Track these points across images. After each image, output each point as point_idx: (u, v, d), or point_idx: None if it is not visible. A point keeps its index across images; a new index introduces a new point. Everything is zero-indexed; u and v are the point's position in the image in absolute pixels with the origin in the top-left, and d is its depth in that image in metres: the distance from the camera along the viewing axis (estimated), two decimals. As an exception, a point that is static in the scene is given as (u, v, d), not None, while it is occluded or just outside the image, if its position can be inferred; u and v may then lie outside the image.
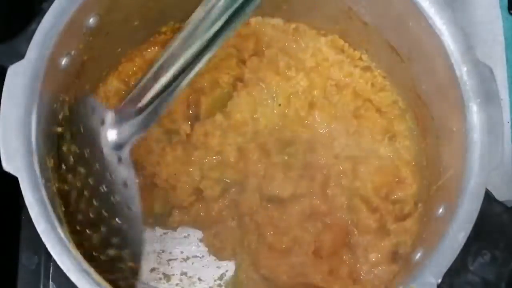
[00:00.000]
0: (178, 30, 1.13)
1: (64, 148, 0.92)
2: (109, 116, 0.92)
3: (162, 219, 1.06)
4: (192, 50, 0.86)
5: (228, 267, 1.05)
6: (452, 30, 0.89)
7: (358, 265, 1.02)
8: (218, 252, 1.05)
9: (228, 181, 1.06)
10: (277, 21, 1.14)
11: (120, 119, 0.91)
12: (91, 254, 0.87)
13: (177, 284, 1.04)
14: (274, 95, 1.08)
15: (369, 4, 1.00)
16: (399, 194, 1.05)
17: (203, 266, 1.06)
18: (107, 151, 0.90)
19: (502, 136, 0.86)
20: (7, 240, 1.05)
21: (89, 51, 0.98)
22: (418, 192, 1.05)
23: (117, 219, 0.90)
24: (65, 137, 0.93)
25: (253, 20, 1.15)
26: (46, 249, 0.81)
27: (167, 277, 1.04)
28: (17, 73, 0.85)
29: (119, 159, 0.90)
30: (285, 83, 1.08)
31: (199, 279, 1.05)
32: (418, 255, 0.90)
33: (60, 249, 0.81)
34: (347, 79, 1.09)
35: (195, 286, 1.05)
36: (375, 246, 1.02)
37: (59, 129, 0.93)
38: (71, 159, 0.92)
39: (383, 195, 1.05)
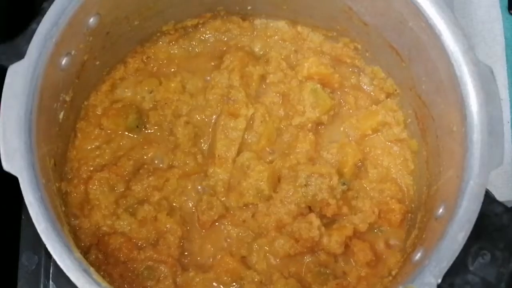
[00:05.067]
0: (178, 29, 1.14)
1: None
2: None
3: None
4: None
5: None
6: (452, 30, 0.89)
7: None
8: None
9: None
10: (281, 24, 1.16)
11: None
12: None
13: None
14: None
15: (369, 4, 1.00)
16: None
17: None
18: None
19: (502, 136, 0.86)
20: (7, 240, 1.05)
21: (89, 51, 0.99)
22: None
23: None
24: None
25: (258, 22, 1.16)
26: (46, 249, 0.81)
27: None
28: (17, 73, 0.85)
29: None
30: None
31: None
32: (418, 255, 0.90)
33: (60, 249, 0.81)
34: None
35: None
36: None
37: None
38: None
39: None
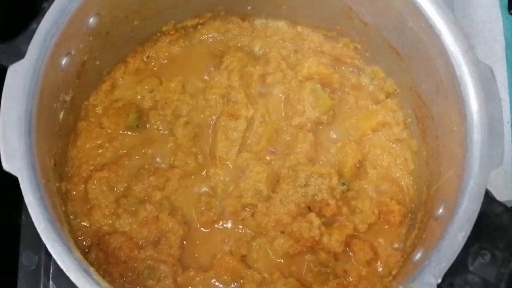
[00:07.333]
0: (178, 29, 1.14)
1: None
2: None
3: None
4: None
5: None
6: (452, 30, 0.89)
7: None
8: None
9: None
10: (281, 24, 1.16)
11: None
12: None
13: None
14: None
15: (369, 4, 1.00)
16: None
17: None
18: None
19: (502, 136, 0.86)
20: (7, 240, 1.05)
21: (89, 51, 0.99)
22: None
23: None
24: None
25: (257, 22, 1.16)
26: (46, 249, 0.81)
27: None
28: (17, 72, 0.85)
29: None
30: None
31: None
32: (418, 255, 0.90)
33: (60, 249, 0.81)
34: None
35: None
36: None
37: None
38: None
39: None
